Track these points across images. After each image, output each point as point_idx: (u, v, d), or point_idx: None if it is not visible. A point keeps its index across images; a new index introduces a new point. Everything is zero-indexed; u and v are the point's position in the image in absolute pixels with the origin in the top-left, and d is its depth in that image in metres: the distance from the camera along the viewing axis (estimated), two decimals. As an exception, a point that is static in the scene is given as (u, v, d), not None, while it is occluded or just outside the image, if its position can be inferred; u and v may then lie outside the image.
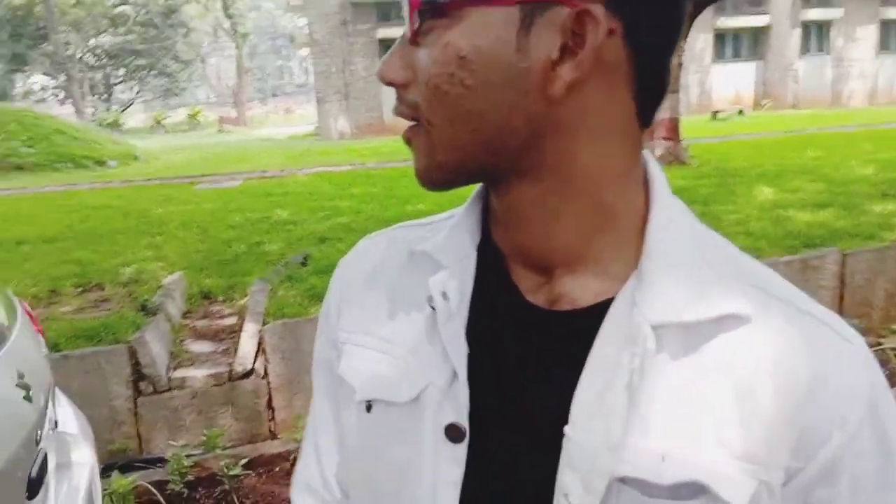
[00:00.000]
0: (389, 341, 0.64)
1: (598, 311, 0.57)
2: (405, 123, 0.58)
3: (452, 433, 0.58)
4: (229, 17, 37.52)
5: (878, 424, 0.54)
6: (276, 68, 72.01)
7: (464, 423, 0.58)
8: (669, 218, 0.58)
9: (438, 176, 0.57)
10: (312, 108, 25.74)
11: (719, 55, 25.55)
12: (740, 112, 21.71)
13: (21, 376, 1.48)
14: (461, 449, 0.58)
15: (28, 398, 1.45)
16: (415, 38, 0.54)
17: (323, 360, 0.73)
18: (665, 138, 9.63)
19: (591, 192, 0.56)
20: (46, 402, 1.65)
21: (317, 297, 4.38)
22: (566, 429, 0.55)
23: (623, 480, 0.53)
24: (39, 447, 1.46)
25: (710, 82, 25.33)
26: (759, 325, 0.54)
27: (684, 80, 21.99)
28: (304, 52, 33.63)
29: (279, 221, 6.95)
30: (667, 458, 0.53)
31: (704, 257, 0.57)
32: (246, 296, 4.62)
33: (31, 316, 2.00)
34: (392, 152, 15.02)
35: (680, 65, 9.70)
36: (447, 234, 0.64)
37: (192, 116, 34.80)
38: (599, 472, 0.53)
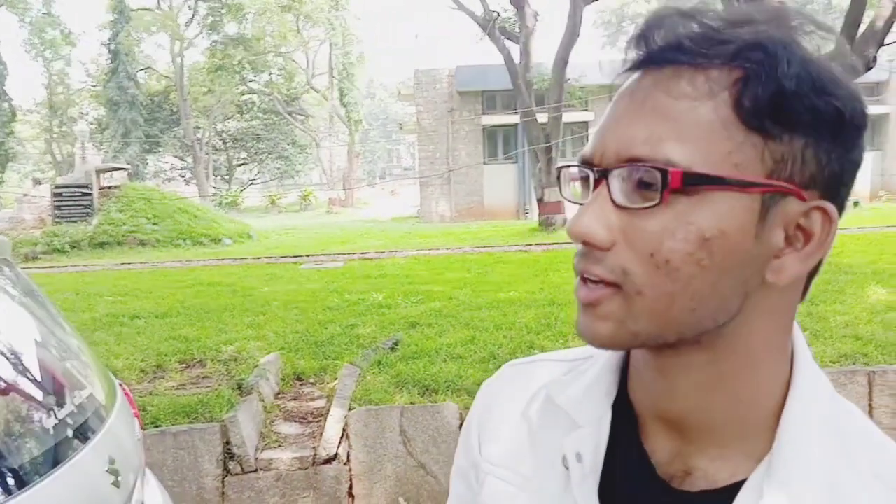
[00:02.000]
0: (529, 482, 0.67)
1: (727, 496, 0.57)
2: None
3: None
4: (344, 105, 39.68)
5: None
6: (385, 152, 75.04)
7: None
8: (808, 397, 0.58)
9: (625, 343, 0.56)
10: (417, 190, 26.60)
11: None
12: (855, 204, 20.77)
13: (112, 461, 1.60)
14: None
15: (116, 483, 1.57)
16: (637, 207, 0.53)
17: (461, 470, 0.76)
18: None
19: (755, 367, 0.57)
20: (134, 484, 1.77)
21: (403, 384, 4.46)
22: None
23: None
24: (121, 530, 1.56)
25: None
26: None
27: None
28: (413, 137, 34.98)
29: (374, 304, 7.14)
30: None
31: (842, 445, 0.56)
32: (336, 378, 4.75)
33: (128, 397, 2.16)
34: (488, 236, 15.21)
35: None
36: (585, 389, 0.66)
37: (304, 197, 36.61)
38: None
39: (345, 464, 3.85)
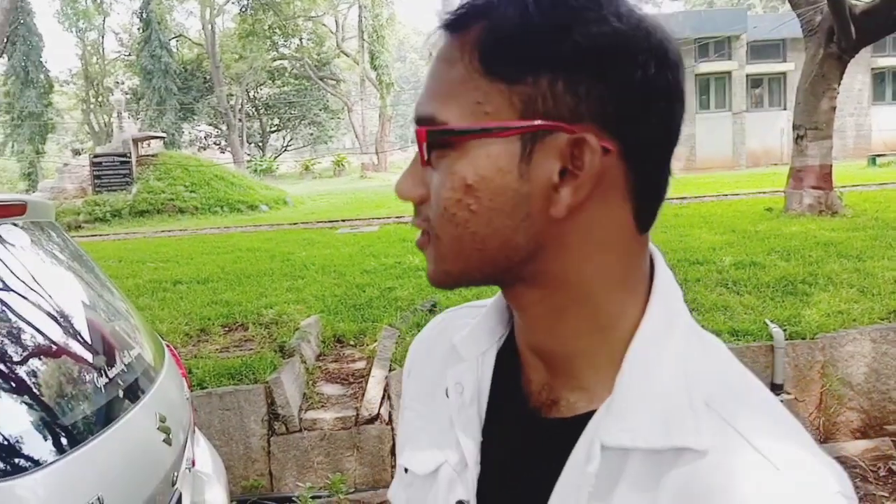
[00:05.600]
0: (427, 416, 0.73)
1: (580, 424, 0.59)
2: None
3: None
4: (375, 68, 39.39)
5: None
6: (417, 115, 74.51)
7: (472, 501, 0.65)
8: (657, 331, 0.59)
9: (445, 281, 0.61)
10: (450, 154, 26.41)
11: (879, 96, 23.92)
12: (904, 157, 20.09)
13: (163, 420, 1.62)
14: None
15: (168, 441, 1.59)
16: (426, 163, 0.58)
17: (402, 400, 0.82)
18: (815, 187, 9.08)
19: (589, 300, 0.59)
20: (185, 443, 1.79)
21: (443, 345, 4.46)
22: None
23: None
24: (175, 487, 1.59)
25: (868, 125, 23.71)
26: (713, 461, 0.53)
27: (840, 123, 20.76)
28: (444, 99, 34.59)
29: (411, 267, 7.14)
30: None
31: (683, 377, 0.57)
32: (376, 340, 4.78)
33: (176, 358, 2.18)
34: (526, 198, 15.06)
35: (833, 108, 9.17)
36: (473, 328, 0.70)
37: (338, 163, 36.62)
38: None
39: (387, 423, 3.88)
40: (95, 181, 18.20)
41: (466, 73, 0.55)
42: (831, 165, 9.18)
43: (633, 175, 0.56)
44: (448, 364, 0.71)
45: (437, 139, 0.56)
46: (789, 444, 0.54)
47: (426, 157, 0.57)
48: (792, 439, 0.55)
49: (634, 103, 0.54)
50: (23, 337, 1.53)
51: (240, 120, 42.04)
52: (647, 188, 0.58)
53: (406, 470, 0.73)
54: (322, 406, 4.08)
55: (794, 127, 9.35)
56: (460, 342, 0.70)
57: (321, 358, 4.81)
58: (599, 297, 0.59)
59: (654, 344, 0.58)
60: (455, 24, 0.57)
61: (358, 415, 3.89)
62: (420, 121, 0.58)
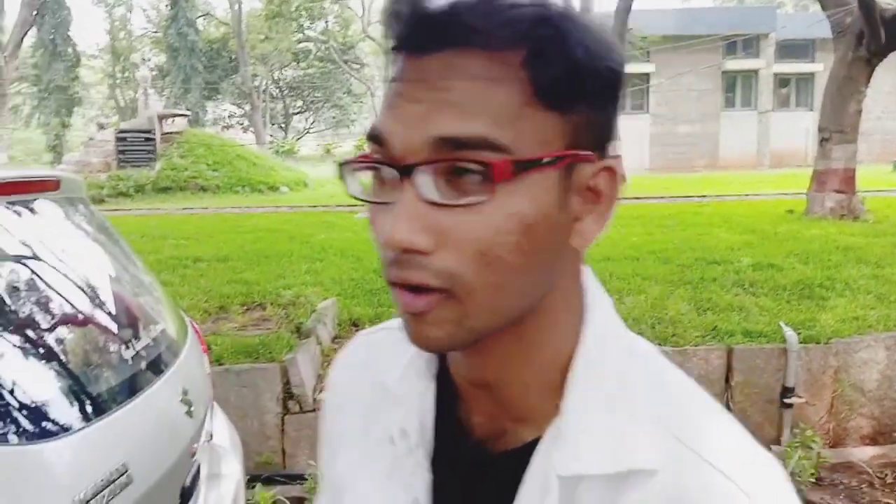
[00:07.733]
0: (367, 463, 0.66)
1: (526, 453, 0.57)
2: None
3: None
4: (399, 53, 39.28)
5: None
6: (440, 102, 74.37)
7: None
8: (596, 351, 0.57)
9: (464, 342, 0.54)
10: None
11: (908, 100, 23.59)
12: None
13: (185, 392, 1.68)
14: None
15: (189, 413, 1.65)
16: (439, 205, 0.50)
17: (323, 441, 0.76)
18: (838, 191, 9.01)
19: (549, 334, 0.57)
20: (205, 416, 1.85)
21: (457, 333, 4.50)
22: None
23: None
24: (194, 459, 1.65)
25: (895, 129, 23.39)
26: (665, 479, 0.53)
27: (866, 126, 20.48)
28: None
29: (428, 254, 7.17)
30: None
31: (626, 395, 0.56)
32: (391, 326, 4.83)
33: (198, 334, 2.24)
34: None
35: (859, 112, 9.08)
36: (406, 365, 0.65)
37: (359, 147, 36.61)
38: None
39: (399, 408, 3.94)
40: (120, 156, 18.39)
41: (517, 98, 0.50)
42: (855, 169, 9.10)
43: None
44: (381, 405, 0.66)
45: (507, 175, 0.49)
46: (737, 454, 0.55)
47: (445, 198, 0.49)
48: (736, 446, 0.55)
49: (616, 127, 0.56)
50: (55, 308, 1.59)
51: (263, 101, 42.21)
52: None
53: None
54: (336, 388, 4.13)
55: (820, 129, 9.28)
56: (396, 385, 0.64)
57: (336, 340, 4.87)
58: (561, 326, 0.57)
59: (594, 365, 0.56)
60: (486, 39, 0.49)
61: (371, 398, 3.95)
62: (459, 143, 0.49)
